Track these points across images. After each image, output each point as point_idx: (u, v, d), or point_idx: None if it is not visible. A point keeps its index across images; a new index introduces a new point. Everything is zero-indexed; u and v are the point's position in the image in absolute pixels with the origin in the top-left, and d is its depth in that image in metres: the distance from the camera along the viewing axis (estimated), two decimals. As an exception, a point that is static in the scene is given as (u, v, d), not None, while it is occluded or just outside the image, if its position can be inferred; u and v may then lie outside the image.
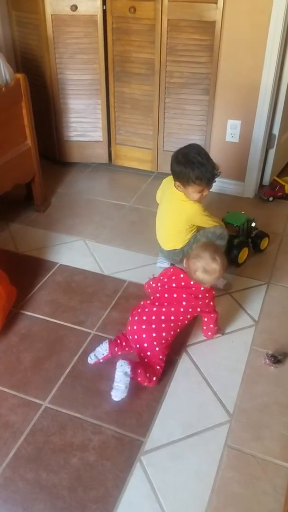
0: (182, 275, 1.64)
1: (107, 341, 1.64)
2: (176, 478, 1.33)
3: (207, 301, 1.65)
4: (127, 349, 1.64)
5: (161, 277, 1.71)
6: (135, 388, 1.56)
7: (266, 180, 2.75)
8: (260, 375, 1.63)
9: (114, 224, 2.49)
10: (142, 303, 1.66)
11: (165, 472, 1.34)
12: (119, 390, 1.47)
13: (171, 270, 1.70)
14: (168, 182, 2.00)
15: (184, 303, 1.60)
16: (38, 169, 2.50)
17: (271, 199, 2.66)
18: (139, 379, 1.51)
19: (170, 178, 1.98)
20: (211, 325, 1.72)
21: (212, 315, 1.70)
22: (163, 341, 1.59)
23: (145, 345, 1.58)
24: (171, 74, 2.57)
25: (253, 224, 2.18)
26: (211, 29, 2.37)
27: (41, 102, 2.77)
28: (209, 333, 1.75)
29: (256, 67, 2.35)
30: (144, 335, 1.57)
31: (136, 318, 1.61)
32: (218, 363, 1.67)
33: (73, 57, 2.66)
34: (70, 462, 1.36)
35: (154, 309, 1.60)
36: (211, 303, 1.68)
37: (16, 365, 1.65)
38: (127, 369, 1.47)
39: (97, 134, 2.92)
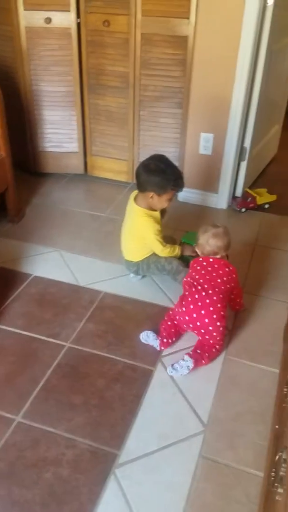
0: (211, 259, 1.81)
1: (157, 340, 1.76)
2: (151, 491, 1.32)
3: (234, 275, 1.81)
4: (174, 339, 1.80)
5: (192, 272, 1.82)
6: (110, 401, 1.56)
7: (239, 191, 2.80)
8: (234, 384, 1.65)
9: (89, 234, 2.49)
10: (187, 292, 1.76)
11: (140, 484, 1.34)
12: (176, 373, 1.67)
13: (200, 259, 1.84)
14: (133, 196, 2.08)
15: (224, 277, 1.77)
16: (12, 179, 2.49)
17: (243, 210, 2.71)
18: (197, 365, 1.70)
19: (135, 192, 2.06)
20: (238, 300, 1.93)
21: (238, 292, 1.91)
22: (222, 313, 1.71)
23: (210, 328, 1.70)
24: (145, 88, 2.60)
25: None
26: (184, 44, 2.41)
27: (16, 113, 2.76)
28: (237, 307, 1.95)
29: (228, 82, 2.41)
30: (206, 320, 1.69)
31: (191, 306, 1.71)
32: (193, 373, 1.68)
33: (47, 69, 2.67)
34: (43, 477, 1.34)
35: (203, 293, 1.71)
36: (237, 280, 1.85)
37: (-12, 380, 1.63)
38: (191, 364, 1.66)
39: (73, 145, 2.93)
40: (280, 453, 1.09)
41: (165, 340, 1.76)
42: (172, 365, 1.69)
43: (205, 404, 1.57)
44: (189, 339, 1.82)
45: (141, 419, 1.51)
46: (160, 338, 1.77)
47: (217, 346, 1.74)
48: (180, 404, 1.57)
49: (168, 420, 1.51)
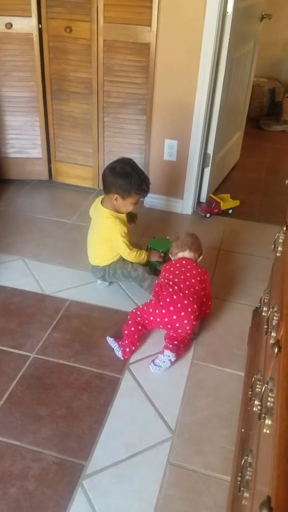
0: (184, 261, 1.87)
1: (120, 350, 1.75)
2: (119, 500, 1.31)
3: (206, 276, 1.89)
4: (138, 344, 1.80)
5: (165, 273, 1.86)
6: (76, 411, 1.54)
7: (203, 197, 2.83)
8: (201, 388, 1.66)
9: (55, 242, 2.45)
10: (165, 293, 1.77)
11: (108, 495, 1.32)
12: (160, 369, 1.70)
13: (173, 261, 1.90)
14: (99, 200, 2.08)
15: (197, 277, 1.82)
16: (-26, 187, 2.43)
17: (208, 215, 2.75)
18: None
19: (101, 197, 2.06)
20: (209, 302, 1.95)
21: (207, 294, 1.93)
22: (197, 312, 1.78)
23: (187, 328, 1.75)
24: (109, 94, 2.60)
25: None
26: (146, 51, 2.43)
27: (-24, 118, 2.70)
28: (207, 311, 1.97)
29: (190, 89, 2.44)
30: (185, 321, 1.74)
31: (171, 308, 1.74)
32: (160, 380, 1.68)
33: (9, 75, 2.63)
34: (9, 492, 1.31)
35: (181, 294, 1.76)
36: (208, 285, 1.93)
37: None
38: (173, 358, 1.71)
39: (36, 151, 2.89)
40: (246, 457, 1.11)
41: (127, 349, 1.76)
42: (153, 361, 1.71)
43: (173, 410, 1.58)
44: (153, 343, 1.82)
45: (108, 428, 1.50)
46: (122, 347, 1.75)
47: (188, 337, 1.81)
48: (147, 411, 1.57)
49: (135, 428, 1.51)
